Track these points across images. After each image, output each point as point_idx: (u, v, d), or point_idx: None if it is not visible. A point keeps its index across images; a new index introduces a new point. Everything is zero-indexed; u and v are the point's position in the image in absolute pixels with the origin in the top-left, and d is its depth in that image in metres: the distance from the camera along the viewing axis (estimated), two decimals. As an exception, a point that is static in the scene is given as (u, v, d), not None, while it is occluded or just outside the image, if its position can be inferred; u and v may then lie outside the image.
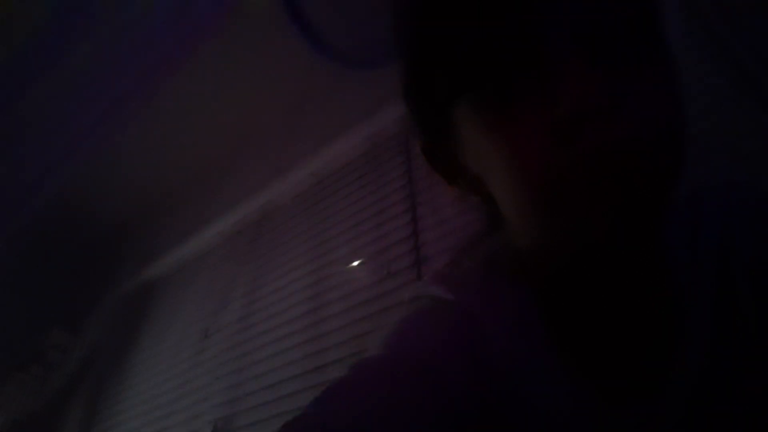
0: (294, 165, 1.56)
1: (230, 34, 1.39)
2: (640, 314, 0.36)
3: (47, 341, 1.88)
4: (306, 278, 1.33)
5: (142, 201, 1.99)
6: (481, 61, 0.29)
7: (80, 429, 1.67)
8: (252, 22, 1.39)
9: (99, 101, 1.49)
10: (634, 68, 0.28)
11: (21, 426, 1.72)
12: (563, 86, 0.26)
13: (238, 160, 1.81)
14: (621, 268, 0.34)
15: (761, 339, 0.32)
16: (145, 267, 1.92)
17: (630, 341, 0.36)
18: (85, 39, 1.31)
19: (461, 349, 0.36)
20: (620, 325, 0.36)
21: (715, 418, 0.32)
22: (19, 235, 1.75)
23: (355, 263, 1.24)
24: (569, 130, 0.26)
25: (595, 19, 0.27)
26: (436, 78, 0.33)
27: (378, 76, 1.30)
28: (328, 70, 1.43)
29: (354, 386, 0.34)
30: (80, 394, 1.77)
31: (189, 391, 1.42)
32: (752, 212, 0.36)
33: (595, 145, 0.26)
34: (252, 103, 1.65)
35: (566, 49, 0.27)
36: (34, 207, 1.75)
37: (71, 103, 1.47)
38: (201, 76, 1.54)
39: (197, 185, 1.92)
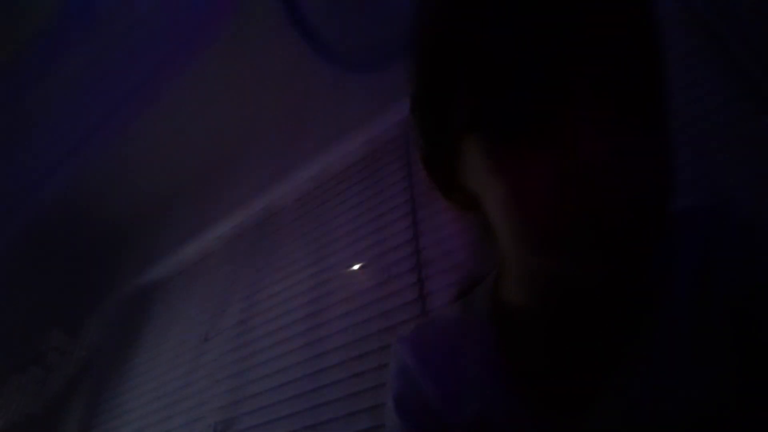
0: (294, 168, 1.56)
1: (231, 37, 1.40)
2: (603, 343, 0.37)
3: (47, 343, 1.88)
4: (306, 282, 1.33)
5: (142, 203, 2.00)
6: (507, 101, 0.30)
7: (79, 431, 1.67)
8: (252, 26, 1.40)
9: (101, 103, 1.50)
10: (641, 132, 0.30)
11: (20, 428, 1.72)
12: (578, 138, 0.28)
13: (239, 163, 1.82)
14: (598, 303, 0.36)
15: (736, 368, 0.32)
16: (146, 269, 1.92)
17: (583, 362, 0.37)
18: (89, 40, 1.32)
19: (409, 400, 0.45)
20: (578, 348, 0.38)
21: None
22: (20, 236, 1.76)
23: (356, 266, 1.24)
24: (577, 180, 0.28)
25: (616, 82, 0.29)
26: (457, 105, 0.34)
27: (379, 79, 1.31)
28: (329, 73, 1.43)
29: None
30: (79, 396, 1.76)
31: (189, 394, 1.42)
32: (731, 240, 0.35)
33: (598, 198, 0.28)
34: (253, 106, 1.65)
35: (587, 104, 0.29)
36: (35, 208, 1.75)
37: (73, 105, 1.48)
38: (202, 80, 1.55)
39: (198, 188, 1.92)
